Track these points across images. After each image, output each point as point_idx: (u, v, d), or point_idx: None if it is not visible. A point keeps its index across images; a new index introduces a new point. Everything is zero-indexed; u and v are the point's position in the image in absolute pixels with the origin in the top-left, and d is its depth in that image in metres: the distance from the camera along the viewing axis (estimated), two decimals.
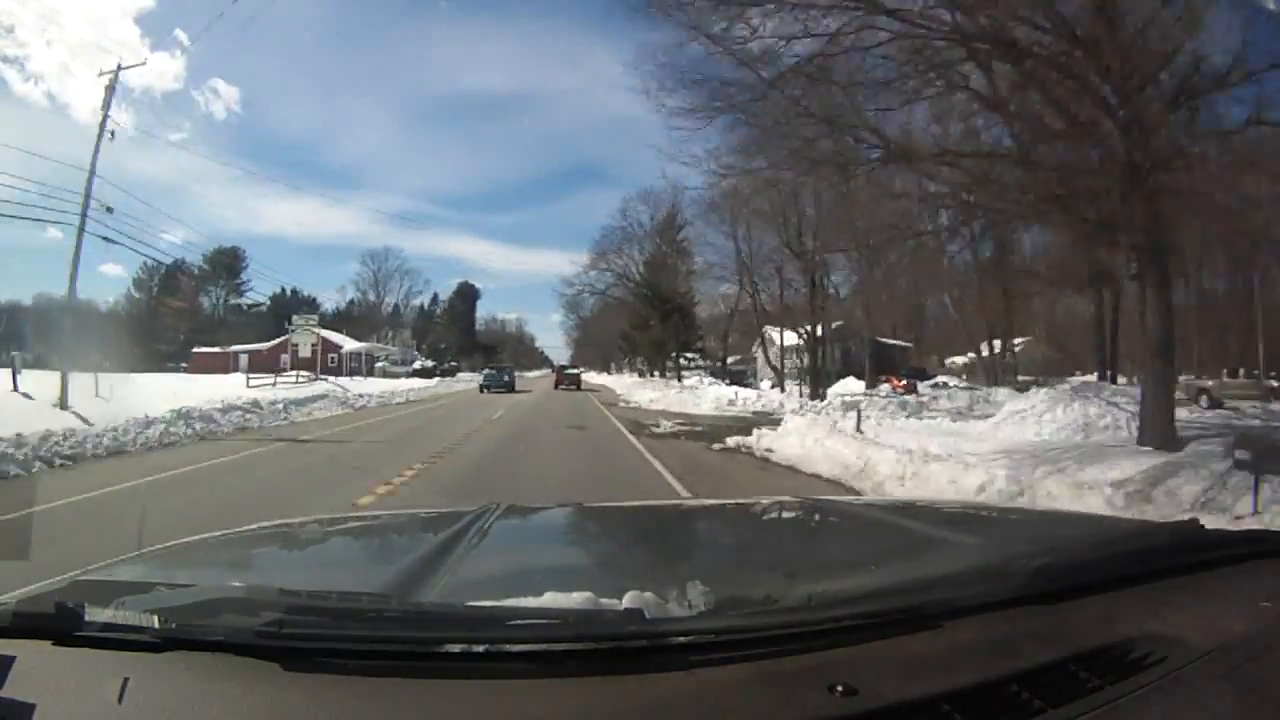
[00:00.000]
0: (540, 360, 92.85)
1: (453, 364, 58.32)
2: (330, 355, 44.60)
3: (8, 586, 0.89)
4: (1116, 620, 0.83)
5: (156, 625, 0.72)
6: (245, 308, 62.43)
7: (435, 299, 77.57)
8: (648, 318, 44.60)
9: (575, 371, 41.56)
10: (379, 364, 49.81)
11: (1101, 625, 0.82)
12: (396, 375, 44.28)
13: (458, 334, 74.45)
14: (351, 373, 43.97)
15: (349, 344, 50.40)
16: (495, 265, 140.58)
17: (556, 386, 35.70)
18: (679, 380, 37.46)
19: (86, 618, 0.73)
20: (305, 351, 37.61)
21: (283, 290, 62.46)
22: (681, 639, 0.72)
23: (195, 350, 50.11)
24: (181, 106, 67.77)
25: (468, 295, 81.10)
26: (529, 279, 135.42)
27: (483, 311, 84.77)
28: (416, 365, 51.91)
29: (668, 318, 43.03)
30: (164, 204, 72.18)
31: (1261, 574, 1.00)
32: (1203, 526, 1.13)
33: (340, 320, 61.03)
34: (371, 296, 69.30)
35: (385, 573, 1.01)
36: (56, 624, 0.74)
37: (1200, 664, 0.74)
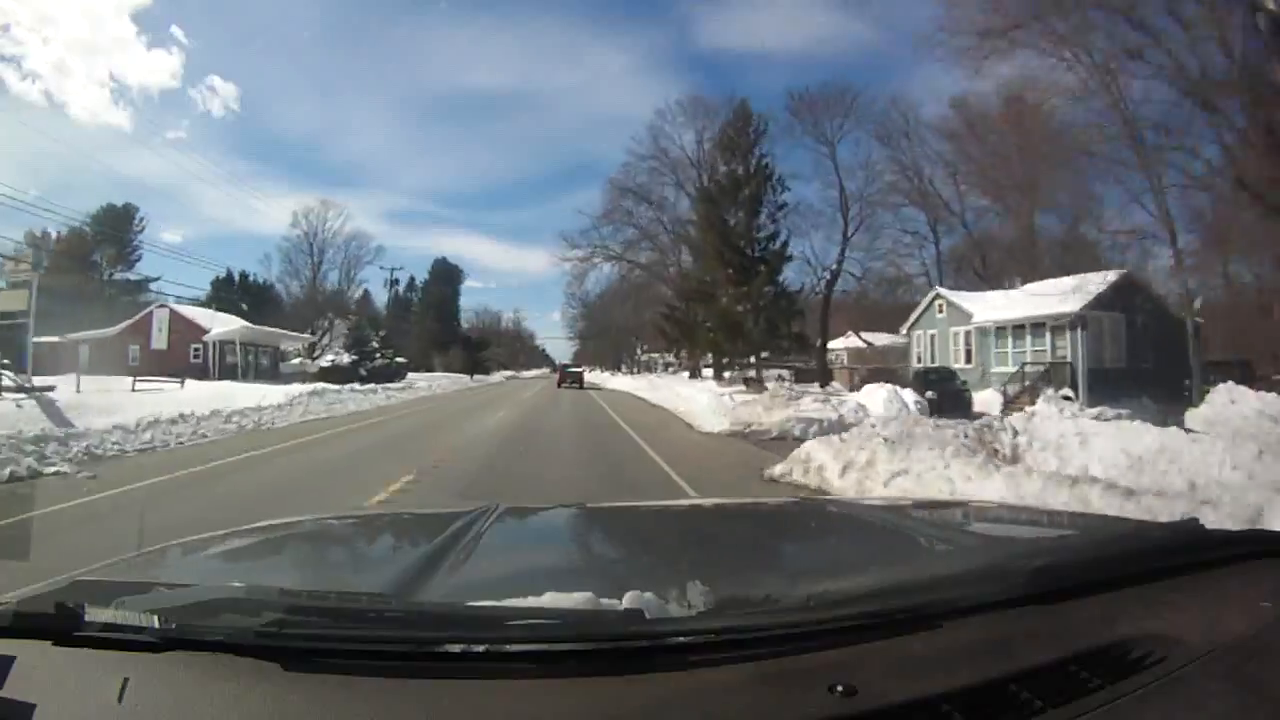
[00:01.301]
0: (540, 359, 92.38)
1: (397, 360, 38.13)
2: (194, 345, 30.74)
3: (8, 586, 0.89)
4: (1116, 620, 0.83)
5: (156, 625, 0.72)
6: (135, 284, 44.60)
7: (412, 283, 63.32)
8: (711, 282, 26.69)
9: (578, 370, 39.80)
10: (296, 360, 35.36)
11: (1101, 625, 0.82)
12: (288, 378, 29.18)
13: (433, 323, 59.07)
14: (229, 371, 28.34)
15: (221, 326, 32.27)
16: (495, 264, 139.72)
17: (559, 385, 34.39)
18: (759, 385, 23.32)
19: (86, 618, 0.73)
20: (161, 342, 27.25)
21: (228, 274, 45.36)
22: (682, 639, 0.72)
23: (35, 340, 28.61)
24: (177, 104, 66.43)
25: (447, 277, 65.04)
26: (529, 278, 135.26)
27: (475, 303, 77.18)
28: (325, 362, 34.60)
29: (747, 279, 25.20)
30: (160, 201, 70.40)
31: (1261, 574, 1.00)
32: (1203, 526, 1.13)
33: (304, 305, 47.29)
34: (305, 270, 50.27)
35: (385, 573, 1.02)
36: (56, 624, 0.74)
37: (1200, 664, 0.74)
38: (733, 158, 26.92)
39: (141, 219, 46.78)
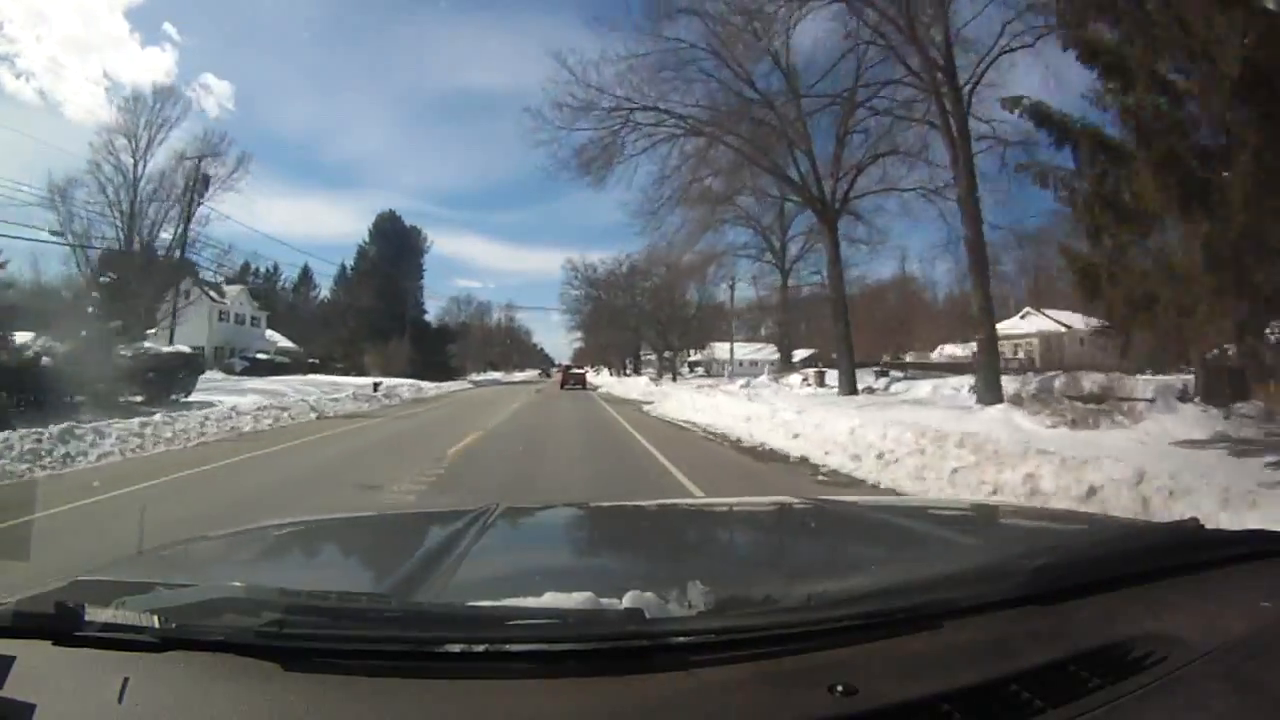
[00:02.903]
0: (538, 358, 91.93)
1: (178, 349, 17.97)
2: None
3: (7, 586, 0.89)
4: (1116, 620, 0.83)
5: (156, 625, 0.72)
6: None
7: (364, 257, 45.89)
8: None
9: (580, 371, 39.86)
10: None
11: (1101, 625, 0.82)
12: None
13: (374, 302, 40.77)
14: None
15: None
16: (494, 264, 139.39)
17: (562, 386, 34.28)
18: None
19: (86, 618, 0.73)
20: None
21: (142, 241, 25.19)
22: (682, 639, 0.72)
23: None
24: (173, 102, 64.80)
25: (398, 242, 44.75)
26: (529, 278, 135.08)
27: (458, 291, 63.49)
28: None
29: None
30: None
31: (1261, 574, 1.00)
32: (1203, 526, 1.13)
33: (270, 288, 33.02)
34: (123, 192, 25.15)
35: (385, 573, 1.02)
36: (56, 624, 0.74)
37: (1200, 664, 0.74)
38: None
39: None
